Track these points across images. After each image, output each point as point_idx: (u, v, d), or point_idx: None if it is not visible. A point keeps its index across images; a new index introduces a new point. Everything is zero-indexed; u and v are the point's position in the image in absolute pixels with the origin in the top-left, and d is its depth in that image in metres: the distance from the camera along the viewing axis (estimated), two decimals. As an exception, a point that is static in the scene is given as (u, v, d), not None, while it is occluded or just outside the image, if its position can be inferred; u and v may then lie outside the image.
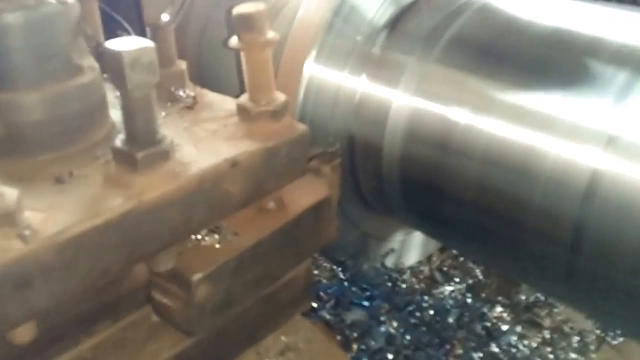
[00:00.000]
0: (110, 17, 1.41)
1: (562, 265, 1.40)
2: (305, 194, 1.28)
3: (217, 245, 1.11)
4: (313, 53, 1.69)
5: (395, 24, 1.77)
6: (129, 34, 1.33)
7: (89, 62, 1.07)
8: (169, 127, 1.12)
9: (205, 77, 1.86)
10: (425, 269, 2.20)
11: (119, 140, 0.97)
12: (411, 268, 2.18)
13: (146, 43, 0.90)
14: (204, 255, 1.07)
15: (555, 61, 1.47)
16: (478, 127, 1.51)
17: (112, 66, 0.88)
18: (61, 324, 0.96)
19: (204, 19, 2.00)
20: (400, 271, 2.12)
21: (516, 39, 1.57)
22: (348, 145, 1.78)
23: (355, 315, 1.71)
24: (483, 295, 2.05)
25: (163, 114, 1.20)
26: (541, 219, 1.39)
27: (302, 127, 1.17)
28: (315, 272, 1.88)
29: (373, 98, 1.74)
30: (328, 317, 1.74)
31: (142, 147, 0.94)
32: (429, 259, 2.24)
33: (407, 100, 1.66)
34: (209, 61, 1.96)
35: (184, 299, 1.04)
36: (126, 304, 1.07)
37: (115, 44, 0.89)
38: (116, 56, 0.87)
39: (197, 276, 1.03)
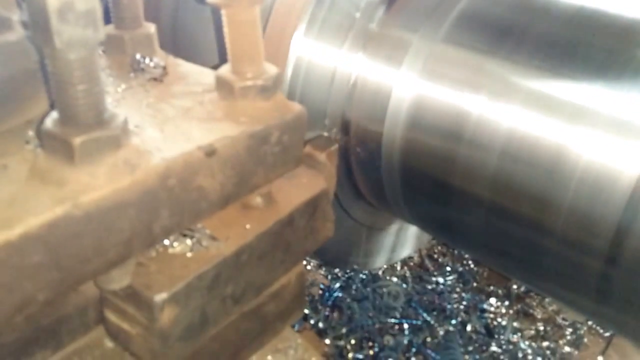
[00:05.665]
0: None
1: (594, 278, 1.23)
2: (298, 186, 1.09)
3: (189, 254, 0.88)
4: (302, 26, 1.48)
5: (396, -4, 1.58)
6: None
7: (22, 16, 0.81)
8: (128, 104, 0.88)
9: (182, 48, 1.62)
10: (415, 256, 2.17)
11: (50, 120, 0.72)
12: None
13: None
14: (171, 267, 0.85)
15: (589, 44, 1.29)
16: (497, 116, 1.33)
17: (33, 15, 0.62)
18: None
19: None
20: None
21: (539, 17, 1.38)
22: (342, 132, 1.58)
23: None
24: (475, 284, 2.05)
25: (123, 86, 0.96)
26: (572, 224, 1.21)
27: (298, 108, 0.94)
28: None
29: (372, 79, 1.58)
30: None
31: (81, 130, 0.69)
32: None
33: (411, 82, 1.48)
34: (188, 28, 1.70)
35: (145, 325, 0.81)
36: (71, 328, 0.83)
37: None
38: (37, 0, 0.60)
39: (160, 296, 0.80)
